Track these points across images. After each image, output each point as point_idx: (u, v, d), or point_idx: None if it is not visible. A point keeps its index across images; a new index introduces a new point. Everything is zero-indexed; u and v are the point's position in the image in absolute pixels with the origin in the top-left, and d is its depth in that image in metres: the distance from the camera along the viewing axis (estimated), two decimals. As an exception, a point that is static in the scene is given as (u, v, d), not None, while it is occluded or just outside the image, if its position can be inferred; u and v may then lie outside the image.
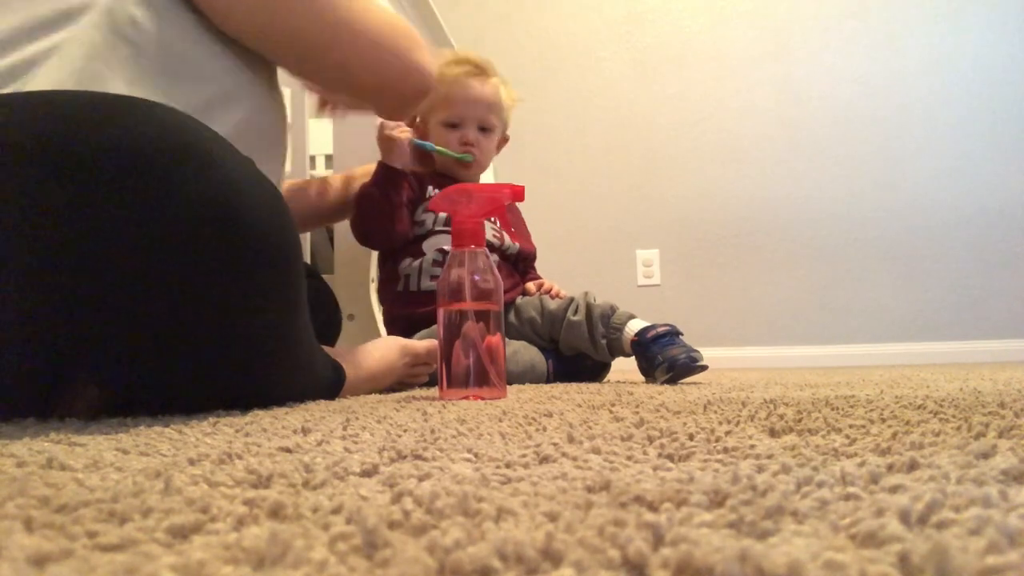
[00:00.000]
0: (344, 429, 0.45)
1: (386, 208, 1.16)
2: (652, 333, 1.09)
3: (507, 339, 1.15)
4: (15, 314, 0.52)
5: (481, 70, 1.26)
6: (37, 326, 0.53)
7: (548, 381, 1.18)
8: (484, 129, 1.27)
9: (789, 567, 0.15)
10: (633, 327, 1.12)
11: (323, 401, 0.72)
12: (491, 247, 1.25)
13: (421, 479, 0.27)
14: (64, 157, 0.49)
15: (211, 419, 0.53)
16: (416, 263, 1.21)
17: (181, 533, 0.20)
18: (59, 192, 0.49)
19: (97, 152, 0.50)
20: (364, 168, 1.25)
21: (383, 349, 0.94)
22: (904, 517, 0.20)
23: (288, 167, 1.42)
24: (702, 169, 2.52)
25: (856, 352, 2.36)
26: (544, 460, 0.32)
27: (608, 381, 1.23)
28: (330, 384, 0.77)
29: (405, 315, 1.21)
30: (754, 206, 2.48)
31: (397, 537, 0.19)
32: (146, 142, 0.51)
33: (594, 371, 1.24)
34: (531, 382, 1.14)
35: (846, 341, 2.39)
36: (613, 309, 1.16)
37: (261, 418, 0.53)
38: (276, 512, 0.22)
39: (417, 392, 0.93)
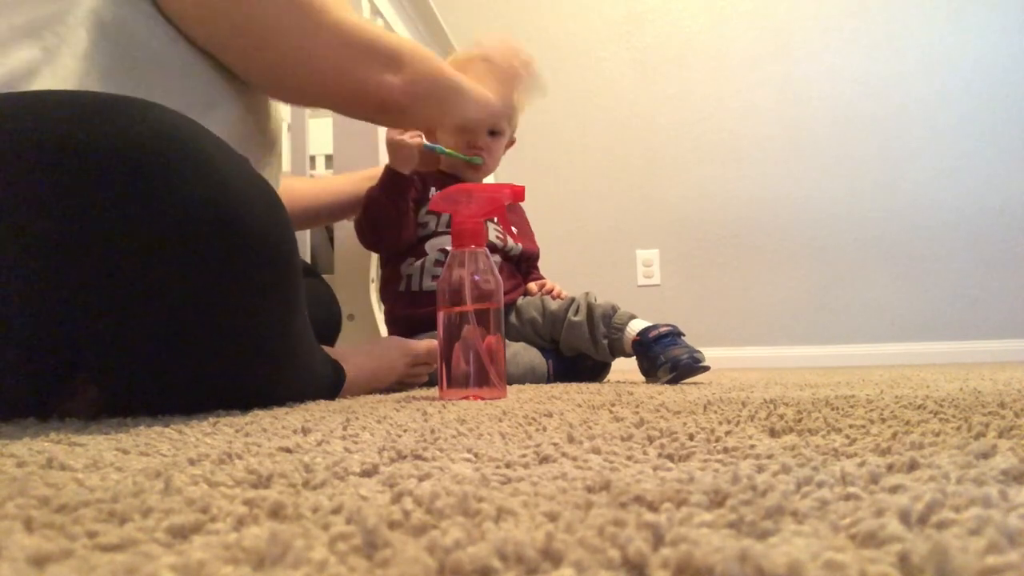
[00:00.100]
0: (344, 429, 0.45)
1: (394, 215, 1.16)
2: (654, 333, 1.09)
3: (507, 340, 1.15)
4: (14, 314, 0.52)
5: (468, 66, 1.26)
6: (36, 327, 0.53)
7: (548, 381, 1.18)
8: (494, 133, 1.27)
9: (789, 567, 0.15)
10: (635, 327, 1.12)
11: (323, 401, 0.72)
12: (493, 248, 1.25)
13: (421, 479, 0.27)
14: (60, 157, 0.49)
15: (211, 419, 0.53)
16: (418, 263, 1.21)
17: (181, 533, 0.20)
18: (55, 191, 0.49)
19: (93, 151, 0.50)
20: (367, 172, 1.25)
21: (383, 349, 0.94)
22: (904, 517, 0.20)
23: (288, 167, 1.43)
24: (702, 169, 2.52)
25: (856, 352, 2.36)
26: (544, 460, 0.32)
27: (608, 381, 1.23)
28: (330, 384, 0.77)
29: (407, 315, 1.21)
30: (754, 206, 2.48)
31: (397, 537, 0.19)
32: (142, 141, 0.51)
33: (594, 371, 1.24)
34: (531, 383, 1.14)
35: (846, 341, 2.39)
36: (614, 309, 1.16)
37: (261, 418, 0.53)
38: (276, 512, 0.22)
39: (417, 392, 0.93)
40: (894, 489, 0.24)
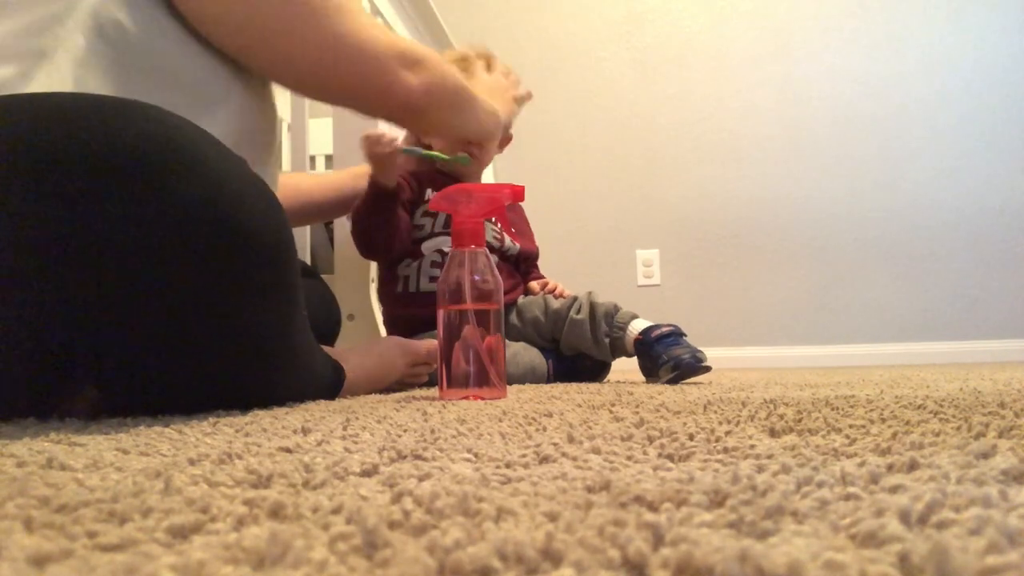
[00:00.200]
0: (344, 429, 0.45)
1: (383, 230, 1.15)
2: (656, 333, 1.09)
3: (507, 341, 1.15)
4: (14, 316, 0.52)
5: (470, 68, 1.26)
6: (36, 327, 0.53)
7: (548, 381, 1.18)
8: None
9: (789, 567, 0.15)
10: (636, 326, 1.12)
11: (323, 401, 0.72)
12: (491, 248, 1.25)
13: (421, 479, 0.27)
14: (56, 158, 0.49)
15: (211, 419, 0.53)
16: (415, 264, 1.21)
17: (181, 533, 0.20)
18: (52, 193, 0.49)
19: (89, 153, 0.50)
20: (366, 168, 1.25)
21: (383, 349, 0.94)
22: (904, 517, 0.20)
23: (288, 167, 1.43)
24: (702, 169, 2.52)
25: (856, 352, 2.36)
26: (544, 460, 0.32)
27: (608, 381, 1.23)
28: (330, 384, 0.77)
29: (406, 316, 1.20)
30: (754, 206, 2.48)
31: (397, 537, 0.19)
32: (139, 143, 0.51)
33: (594, 371, 1.24)
34: (531, 383, 1.14)
35: (846, 341, 2.39)
36: (616, 308, 1.16)
37: (261, 418, 0.53)
38: (276, 512, 0.22)
39: (417, 392, 0.93)
40: (894, 489, 0.24)
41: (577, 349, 1.19)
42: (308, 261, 1.37)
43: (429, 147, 1.23)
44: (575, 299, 1.20)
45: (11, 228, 0.49)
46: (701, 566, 0.16)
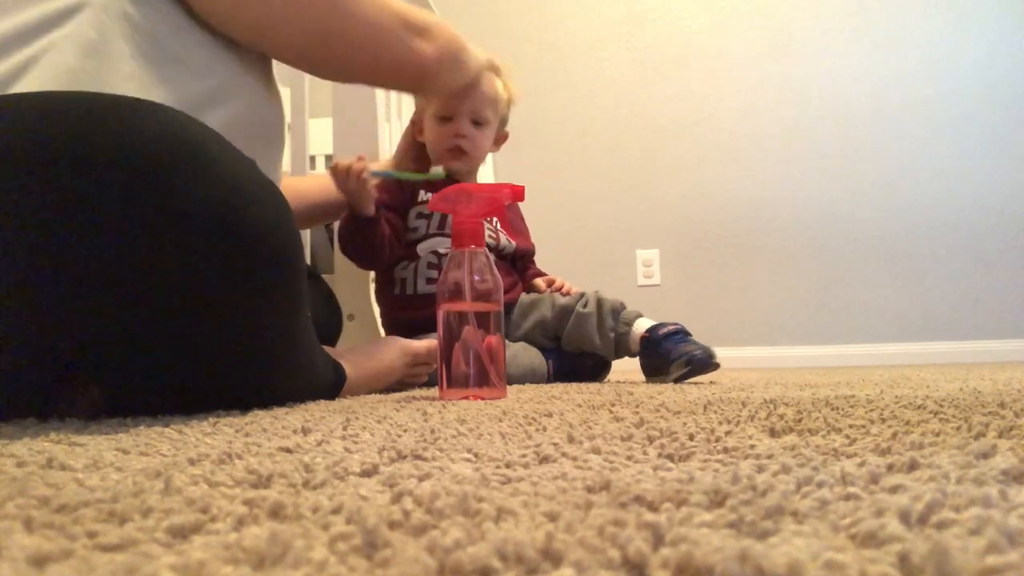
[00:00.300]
0: (344, 429, 0.45)
1: (369, 248, 1.16)
2: (664, 331, 1.10)
3: (507, 341, 1.15)
4: (16, 315, 0.52)
5: None
6: (38, 327, 0.53)
7: (548, 382, 1.18)
8: (478, 123, 1.26)
9: (789, 567, 0.15)
10: (642, 325, 1.13)
11: (323, 401, 0.72)
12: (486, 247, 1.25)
13: (421, 479, 0.27)
14: (65, 159, 0.49)
15: (211, 419, 0.53)
16: (411, 266, 1.21)
17: (181, 533, 0.20)
18: (60, 193, 0.49)
19: (98, 154, 0.50)
20: (373, 165, 1.25)
21: (383, 349, 0.94)
22: (904, 517, 0.20)
23: (288, 167, 1.42)
24: (702, 169, 2.52)
25: (856, 352, 2.36)
26: (544, 460, 0.32)
27: (608, 381, 1.23)
28: (330, 384, 0.77)
29: (404, 319, 1.20)
30: (754, 206, 2.48)
31: (397, 537, 0.19)
32: (147, 143, 0.51)
33: (594, 371, 1.24)
34: (531, 383, 1.14)
35: (846, 341, 2.39)
36: (623, 306, 1.17)
37: (261, 418, 0.53)
38: (276, 512, 0.22)
39: (417, 392, 0.93)
40: (894, 489, 0.24)
41: (580, 345, 1.19)
42: (308, 261, 1.38)
43: (409, 164, 1.25)
44: (582, 295, 1.21)
45: (17, 227, 0.49)
46: (701, 566, 0.16)
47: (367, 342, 1.03)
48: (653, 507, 0.22)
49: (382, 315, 1.30)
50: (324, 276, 1.21)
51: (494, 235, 1.28)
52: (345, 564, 0.17)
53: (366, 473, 0.29)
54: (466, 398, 0.74)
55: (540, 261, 1.41)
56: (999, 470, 0.26)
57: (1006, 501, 0.22)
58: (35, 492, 0.24)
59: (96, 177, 0.50)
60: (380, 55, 0.79)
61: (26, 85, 0.56)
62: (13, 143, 0.49)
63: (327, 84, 1.02)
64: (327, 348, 0.81)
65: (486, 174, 1.87)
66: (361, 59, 0.79)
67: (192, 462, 0.32)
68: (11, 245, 0.50)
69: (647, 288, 2.50)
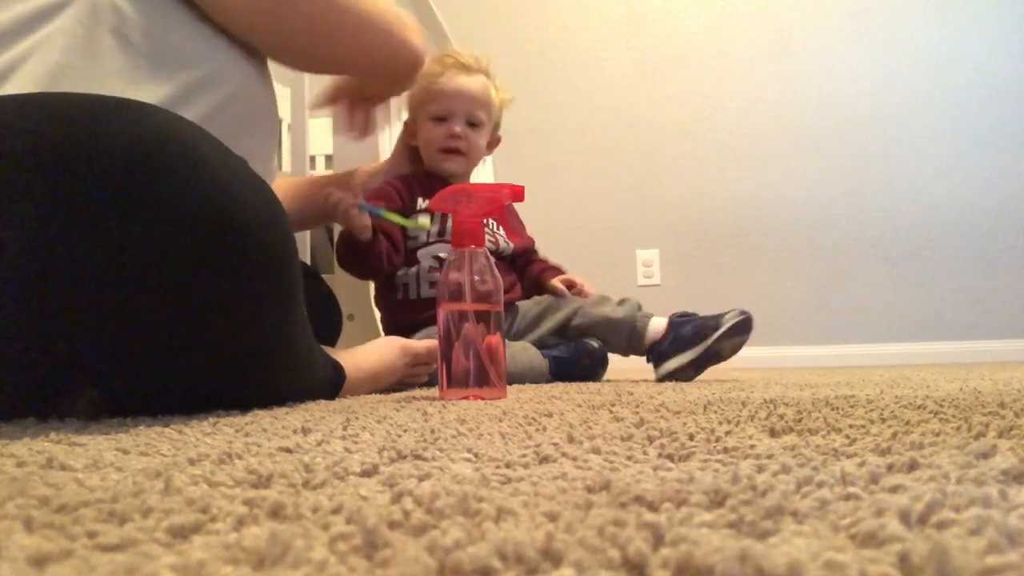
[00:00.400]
0: (344, 429, 0.45)
1: (366, 266, 1.17)
2: (686, 313, 1.15)
3: (507, 340, 1.15)
4: (14, 317, 0.52)
5: (465, 66, 1.26)
6: (36, 327, 0.53)
7: (548, 381, 1.18)
8: (472, 124, 1.26)
9: (789, 567, 0.15)
10: (659, 321, 1.17)
11: (323, 401, 0.72)
12: None
13: (421, 479, 0.27)
14: (56, 160, 0.49)
15: (211, 419, 0.53)
16: (412, 271, 1.22)
17: (181, 533, 0.20)
18: (52, 195, 0.49)
19: (89, 155, 0.50)
20: (366, 169, 1.25)
21: (383, 349, 0.94)
22: (904, 517, 0.20)
23: (288, 167, 1.42)
24: (702, 169, 2.51)
25: (856, 352, 2.36)
26: (544, 460, 0.32)
27: (608, 381, 1.23)
28: (330, 384, 0.77)
29: (406, 322, 1.21)
30: (754, 206, 2.48)
31: (397, 537, 0.19)
32: (138, 144, 0.51)
33: (593, 371, 1.24)
34: (531, 383, 1.14)
35: (846, 341, 2.39)
36: (639, 307, 1.21)
37: (261, 418, 0.53)
38: (276, 512, 0.22)
39: (417, 392, 0.93)
40: (894, 489, 0.24)
41: (592, 324, 1.20)
42: (308, 261, 1.37)
43: (405, 167, 1.26)
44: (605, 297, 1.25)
45: (10, 228, 0.49)
46: (701, 566, 0.16)
47: (367, 342, 1.03)
48: (653, 507, 0.22)
49: (383, 319, 1.30)
50: (324, 276, 1.21)
51: (493, 238, 1.28)
52: (345, 564, 0.17)
53: (366, 473, 0.29)
54: (466, 398, 0.74)
55: (540, 262, 1.41)
56: (999, 470, 0.26)
57: (1006, 501, 0.22)
58: (35, 492, 0.24)
59: (88, 179, 0.50)
60: (374, 48, 0.80)
61: (15, 84, 0.56)
62: (5, 146, 0.49)
63: (327, 84, 1.02)
64: (327, 348, 0.81)
65: (485, 174, 1.87)
66: (353, 54, 0.79)
67: (192, 462, 0.32)
68: (5, 247, 0.50)
69: (647, 288, 2.50)
